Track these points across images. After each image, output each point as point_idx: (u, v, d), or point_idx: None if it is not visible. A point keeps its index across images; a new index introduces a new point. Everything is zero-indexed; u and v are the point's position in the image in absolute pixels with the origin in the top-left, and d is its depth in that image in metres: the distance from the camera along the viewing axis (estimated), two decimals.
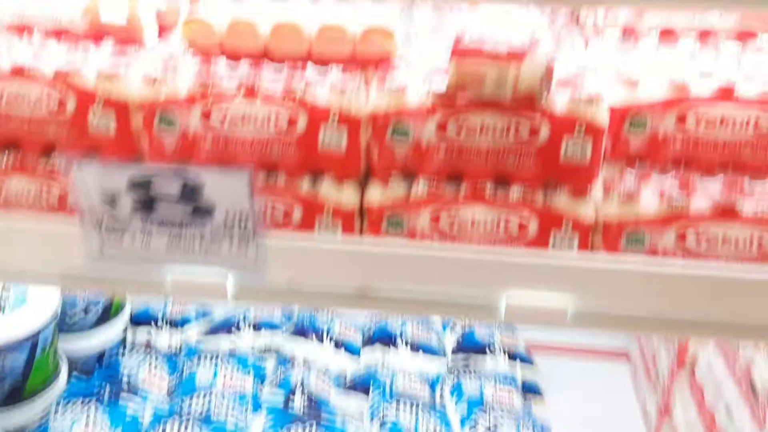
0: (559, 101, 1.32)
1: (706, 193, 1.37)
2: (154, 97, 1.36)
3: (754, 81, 1.43)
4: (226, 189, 1.29)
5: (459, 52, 1.24)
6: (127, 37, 1.52)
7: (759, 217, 1.31)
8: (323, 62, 1.46)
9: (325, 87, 1.37)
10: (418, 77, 1.41)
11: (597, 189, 1.41)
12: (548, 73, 1.25)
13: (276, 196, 1.40)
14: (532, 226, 1.37)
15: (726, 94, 1.37)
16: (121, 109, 1.37)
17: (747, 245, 1.33)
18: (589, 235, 1.38)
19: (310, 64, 1.45)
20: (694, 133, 1.41)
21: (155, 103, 1.35)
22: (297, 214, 1.41)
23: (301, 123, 1.35)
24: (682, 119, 1.40)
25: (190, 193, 1.29)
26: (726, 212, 1.32)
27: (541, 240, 1.39)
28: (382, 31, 1.43)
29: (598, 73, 1.48)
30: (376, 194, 1.41)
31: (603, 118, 1.31)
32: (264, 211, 1.40)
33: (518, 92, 1.24)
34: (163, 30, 1.58)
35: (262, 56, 1.46)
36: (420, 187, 1.39)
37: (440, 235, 1.41)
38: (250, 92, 1.34)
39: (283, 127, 1.36)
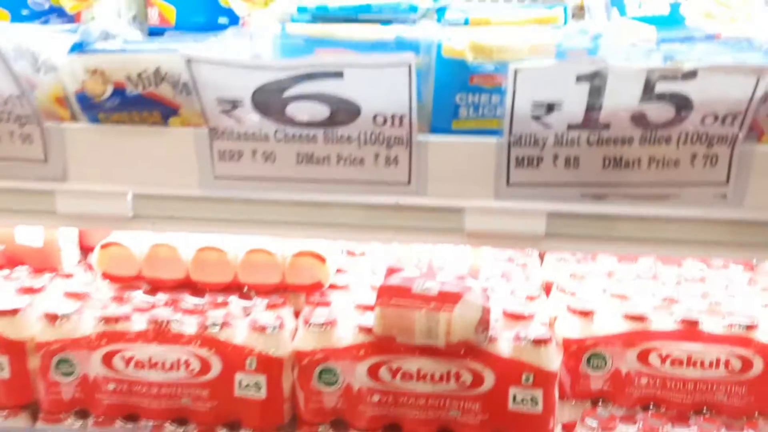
0: (504, 341, 1.18)
1: None
2: (54, 339, 1.21)
3: (720, 308, 1.30)
4: None
5: (384, 297, 1.12)
6: (42, 262, 1.41)
7: None
8: (250, 289, 1.34)
9: (245, 323, 1.23)
10: (351, 308, 1.28)
11: None
12: (485, 316, 1.12)
13: None
14: None
15: (690, 329, 1.24)
16: (16, 352, 1.22)
17: None
18: None
19: (234, 293, 1.32)
20: (660, 373, 1.26)
21: (53, 346, 1.21)
22: None
23: (216, 366, 1.20)
24: (644, 356, 1.26)
25: None
26: None
27: None
28: (314, 255, 1.32)
29: (551, 301, 1.36)
30: None
31: (553, 362, 1.17)
32: None
33: (451, 339, 1.11)
34: (86, 251, 1.48)
35: (183, 285, 1.34)
36: None
37: None
38: (160, 332, 1.20)
39: (194, 371, 1.20)
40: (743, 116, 0.86)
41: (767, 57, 0.90)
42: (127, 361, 1.20)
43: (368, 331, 1.19)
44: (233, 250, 1.33)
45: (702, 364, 1.24)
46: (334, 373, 1.20)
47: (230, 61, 0.88)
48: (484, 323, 1.12)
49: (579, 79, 0.83)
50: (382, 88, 0.87)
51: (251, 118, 0.93)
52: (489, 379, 1.16)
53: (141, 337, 1.20)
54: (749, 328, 1.22)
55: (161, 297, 1.31)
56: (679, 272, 1.45)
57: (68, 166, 1.01)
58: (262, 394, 1.20)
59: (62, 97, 0.98)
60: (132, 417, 1.24)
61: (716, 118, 0.86)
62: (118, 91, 0.94)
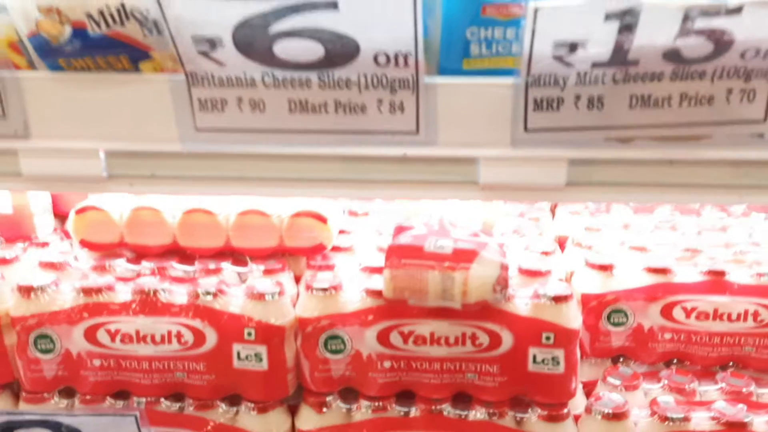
0: (521, 299, 1.09)
1: (707, 402, 1.13)
2: (30, 313, 1.10)
3: (745, 258, 1.23)
4: None
5: (394, 257, 1.02)
6: (14, 231, 1.29)
7: None
8: (245, 255, 1.24)
9: (240, 290, 1.13)
10: (356, 271, 1.19)
11: (578, 398, 1.16)
12: (503, 274, 1.03)
13: (184, 429, 1.13)
14: None
15: (717, 280, 1.17)
16: None
17: None
18: None
19: (227, 259, 1.22)
20: (685, 327, 1.19)
21: (29, 321, 1.10)
22: None
23: (210, 338, 1.10)
24: (668, 311, 1.19)
25: None
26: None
27: None
28: (314, 215, 1.22)
29: (567, 255, 1.28)
30: (309, 420, 1.14)
31: (574, 319, 1.09)
32: None
33: (468, 299, 1.02)
34: (61, 218, 1.36)
35: (170, 251, 1.23)
36: (363, 410, 1.13)
37: None
38: (148, 302, 1.10)
39: (188, 344, 1.10)
40: None
41: None
42: (113, 335, 1.10)
43: (377, 294, 1.09)
44: (224, 212, 1.22)
45: (729, 316, 1.17)
46: (341, 339, 1.11)
47: None
48: (502, 281, 1.03)
49: (608, 17, 0.72)
50: (384, 22, 0.76)
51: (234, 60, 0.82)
52: (507, 340, 1.08)
53: (126, 308, 1.10)
54: None
55: (146, 265, 1.20)
56: (698, 222, 1.38)
57: (30, 121, 0.89)
58: (264, 365, 1.11)
59: (16, 42, 0.86)
60: (123, 394, 1.14)
61: (758, 52, 0.76)
62: (79, 32, 0.81)
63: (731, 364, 1.22)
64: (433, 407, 1.12)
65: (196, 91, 0.84)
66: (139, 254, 1.24)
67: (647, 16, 0.72)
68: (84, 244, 1.24)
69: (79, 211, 1.23)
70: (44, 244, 1.29)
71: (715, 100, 0.81)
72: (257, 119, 0.85)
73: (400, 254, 1.03)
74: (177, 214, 1.22)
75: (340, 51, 0.78)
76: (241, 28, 0.77)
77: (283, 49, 0.78)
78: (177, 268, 1.20)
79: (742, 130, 0.82)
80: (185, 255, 1.24)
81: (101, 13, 0.81)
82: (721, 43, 0.75)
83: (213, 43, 0.80)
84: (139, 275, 1.17)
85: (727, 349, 1.20)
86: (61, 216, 1.36)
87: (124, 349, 1.11)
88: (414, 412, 1.12)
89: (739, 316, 1.17)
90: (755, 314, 1.16)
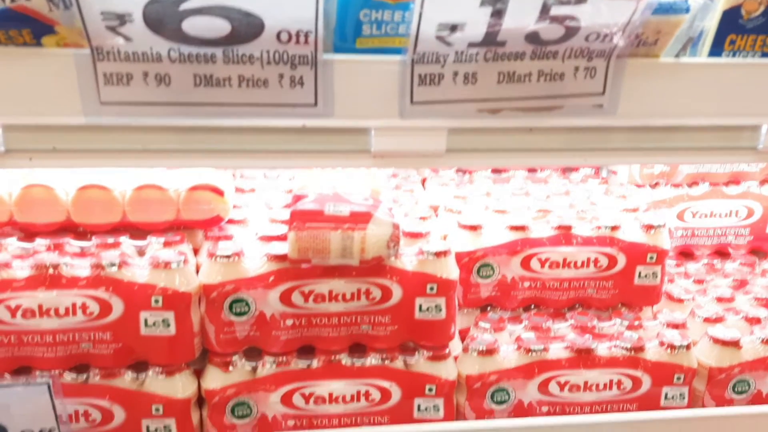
0: (408, 257, 1.23)
1: (560, 336, 1.34)
2: None
3: (586, 215, 1.46)
4: (23, 404, 1.02)
5: (298, 221, 1.12)
6: None
7: (614, 358, 1.30)
8: (140, 229, 1.27)
9: (144, 260, 1.17)
10: (254, 240, 1.26)
11: (456, 342, 1.33)
12: (395, 232, 1.17)
13: (90, 398, 1.15)
14: (395, 394, 1.25)
15: (565, 234, 1.39)
16: None
17: (608, 388, 1.31)
18: (454, 397, 1.28)
19: (122, 234, 1.25)
20: (540, 276, 1.40)
21: None
22: (119, 414, 1.16)
23: (117, 307, 1.13)
24: (527, 262, 1.39)
25: None
26: (583, 357, 1.29)
27: (404, 406, 1.26)
28: (211, 188, 1.27)
29: (441, 220, 1.44)
30: (215, 379, 1.21)
31: (454, 271, 1.25)
32: (75, 417, 1.14)
33: (366, 256, 1.14)
34: None
35: (63, 228, 1.23)
36: (267, 366, 1.22)
37: (295, 416, 1.24)
38: (50, 277, 1.11)
39: (93, 315, 1.13)
40: (621, 33, 0.96)
41: None
42: (13, 311, 1.10)
43: (279, 258, 1.18)
44: (120, 187, 1.25)
45: (575, 264, 1.39)
46: (245, 302, 1.18)
47: None
48: (395, 238, 1.16)
49: (483, 3, 0.87)
50: (289, 1, 0.85)
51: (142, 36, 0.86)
52: (397, 293, 1.22)
53: (28, 283, 1.10)
54: (613, 228, 1.39)
55: (41, 242, 1.20)
56: (546, 188, 1.60)
57: None
58: (171, 330, 1.16)
59: None
60: (25, 370, 1.14)
61: (598, 35, 0.95)
62: None
63: (577, 305, 1.45)
64: (332, 358, 1.23)
65: (101, 66, 0.88)
66: (30, 233, 1.23)
67: (514, 3, 0.88)
68: None
69: None
70: None
71: (565, 76, 0.98)
72: (162, 93, 0.91)
73: (304, 218, 1.13)
74: (70, 191, 1.23)
75: (245, 28, 0.86)
76: (152, 4, 0.83)
77: (191, 25, 0.85)
78: (74, 244, 1.20)
79: (586, 102, 1.00)
80: (78, 232, 1.25)
81: None
82: (570, 27, 0.92)
83: (122, 19, 0.84)
84: (35, 252, 1.17)
85: (573, 292, 1.42)
86: None
87: (26, 324, 1.11)
88: (315, 363, 1.23)
89: (583, 263, 1.40)
90: (595, 261, 1.40)
